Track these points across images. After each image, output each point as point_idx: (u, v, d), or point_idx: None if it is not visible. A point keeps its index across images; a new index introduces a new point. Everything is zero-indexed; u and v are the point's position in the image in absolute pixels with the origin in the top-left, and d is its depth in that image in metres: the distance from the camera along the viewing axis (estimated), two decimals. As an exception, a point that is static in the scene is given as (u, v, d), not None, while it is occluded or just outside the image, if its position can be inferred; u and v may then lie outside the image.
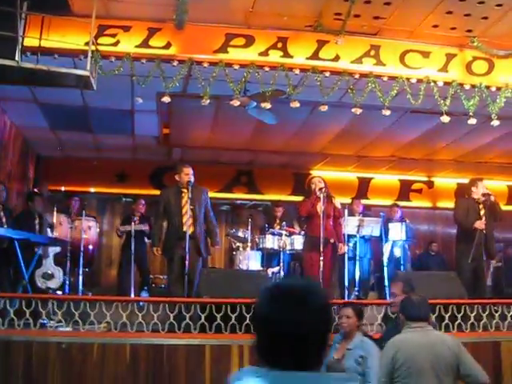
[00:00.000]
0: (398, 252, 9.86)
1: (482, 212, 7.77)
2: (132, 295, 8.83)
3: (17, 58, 6.11)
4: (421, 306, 4.32)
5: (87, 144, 11.29)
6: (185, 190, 7.28)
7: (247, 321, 5.90)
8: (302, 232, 9.20)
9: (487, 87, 7.64)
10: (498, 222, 8.00)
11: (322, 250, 7.27)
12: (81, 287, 8.72)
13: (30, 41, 6.57)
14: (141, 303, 6.49)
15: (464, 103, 7.49)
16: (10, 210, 8.24)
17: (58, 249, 8.41)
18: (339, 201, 8.21)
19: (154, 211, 7.98)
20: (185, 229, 7.11)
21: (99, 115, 9.50)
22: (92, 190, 11.98)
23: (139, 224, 9.80)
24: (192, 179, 7.33)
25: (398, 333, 4.38)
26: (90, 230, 9.76)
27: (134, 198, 11.52)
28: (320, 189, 7.70)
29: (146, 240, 10.11)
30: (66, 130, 10.54)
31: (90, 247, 9.79)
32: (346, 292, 8.42)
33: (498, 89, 7.68)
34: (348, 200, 10.62)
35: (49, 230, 8.76)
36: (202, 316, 6.01)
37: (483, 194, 7.80)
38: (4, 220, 7.69)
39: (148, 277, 10.28)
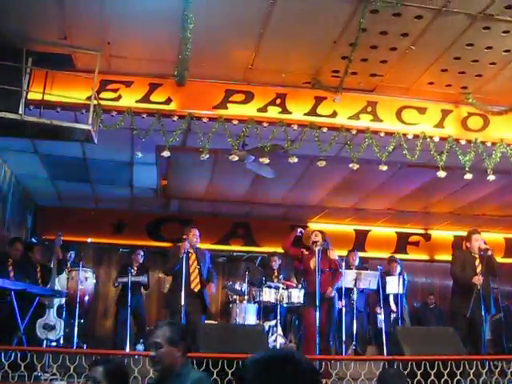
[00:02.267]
0: (395, 305, 9.78)
1: (479, 267, 7.57)
2: (127, 348, 8.70)
3: (20, 112, 6.22)
4: (401, 379, 4.06)
5: (86, 194, 11.35)
6: (191, 251, 7.70)
7: (244, 376, 5.80)
8: (300, 286, 9.20)
9: (482, 142, 7.75)
10: (496, 278, 7.84)
11: (318, 305, 7.18)
12: (76, 339, 8.61)
13: (34, 94, 6.69)
14: (136, 356, 6.40)
15: (460, 158, 7.58)
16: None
17: (63, 300, 8.31)
18: (336, 253, 8.05)
19: (162, 261, 8.22)
20: (192, 286, 7.55)
21: (98, 167, 9.59)
22: (89, 240, 11.96)
23: (137, 275, 9.74)
24: (198, 241, 7.88)
25: None
26: (86, 280, 9.69)
27: (131, 248, 11.50)
28: (314, 242, 7.64)
29: (143, 291, 10.09)
30: (66, 181, 10.61)
31: (86, 298, 9.70)
32: (344, 346, 8.33)
33: (494, 144, 7.79)
34: (345, 253, 10.60)
35: (56, 280, 8.56)
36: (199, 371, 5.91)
37: (481, 249, 7.63)
38: (12, 274, 7.71)
39: (145, 329, 10.13)
